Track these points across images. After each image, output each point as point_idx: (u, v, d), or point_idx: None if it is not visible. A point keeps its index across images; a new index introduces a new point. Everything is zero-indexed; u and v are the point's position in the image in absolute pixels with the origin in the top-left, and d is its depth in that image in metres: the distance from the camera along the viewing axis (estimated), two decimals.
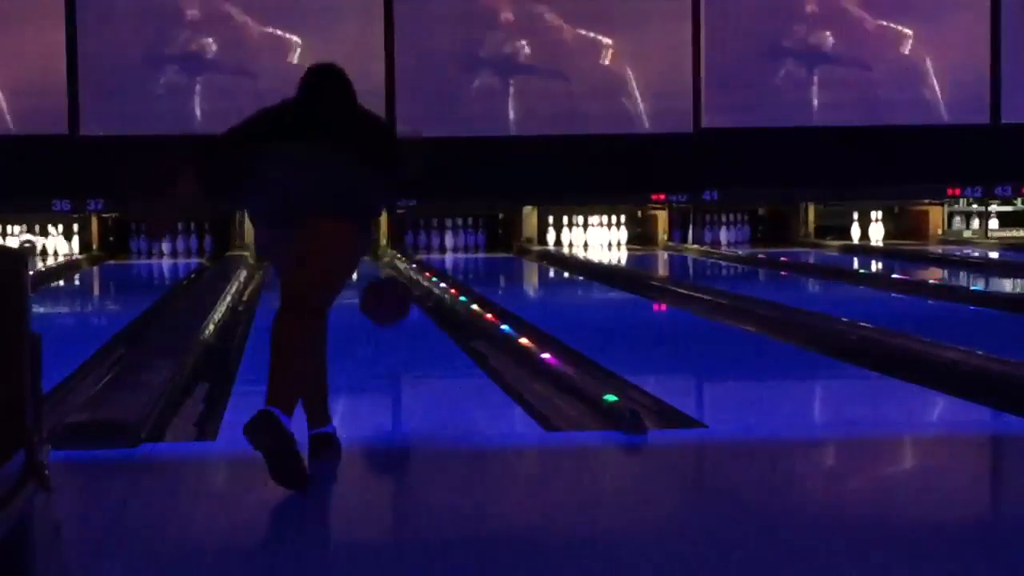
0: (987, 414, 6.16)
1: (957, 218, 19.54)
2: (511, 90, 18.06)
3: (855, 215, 19.44)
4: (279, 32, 17.67)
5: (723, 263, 16.76)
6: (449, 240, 18.52)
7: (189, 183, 5.07)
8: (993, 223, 19.37)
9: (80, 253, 17.79)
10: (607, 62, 18.12)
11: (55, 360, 4.77)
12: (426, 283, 12.67)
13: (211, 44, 17.73)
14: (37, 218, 18.18)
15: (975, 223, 19.37)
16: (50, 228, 18.34)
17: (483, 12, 18.10)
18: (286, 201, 4.90)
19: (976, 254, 16.58)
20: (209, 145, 5.14)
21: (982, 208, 19.35)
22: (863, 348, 7.94)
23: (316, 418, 5.08)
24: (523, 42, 18.11)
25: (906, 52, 18.55)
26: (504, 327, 8.76)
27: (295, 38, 17.64)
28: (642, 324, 10.65)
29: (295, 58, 17.19)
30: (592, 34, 18.18)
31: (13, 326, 4.43)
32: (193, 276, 14.96)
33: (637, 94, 18.09)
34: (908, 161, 18.23)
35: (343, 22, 17.61)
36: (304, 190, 4.92)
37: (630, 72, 18.12)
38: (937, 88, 18.54)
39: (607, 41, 18.18)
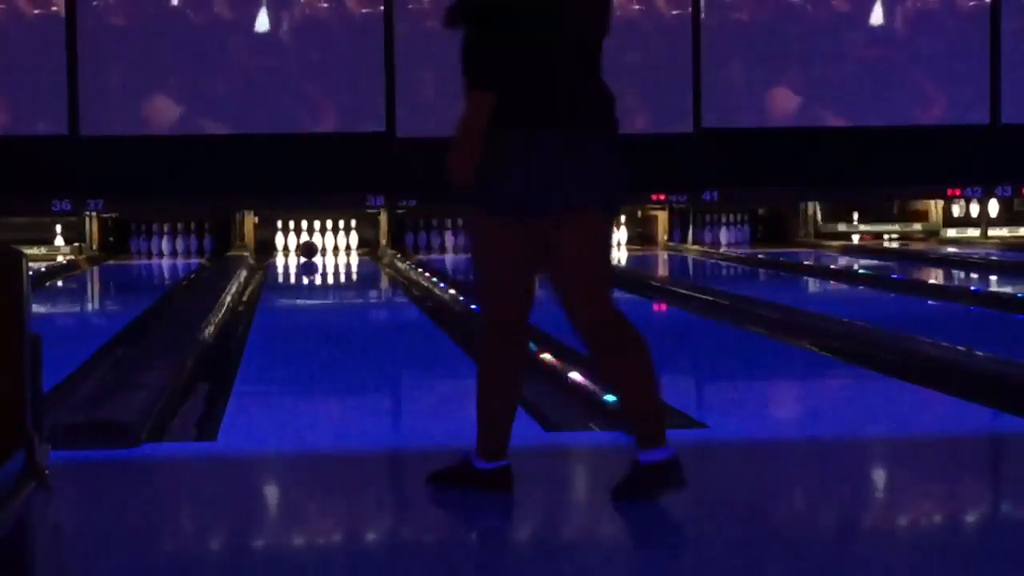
0: (987, 414, 6.16)
1: (956, 207, 19.46)
2: None
3: (855, 215, 19.44)
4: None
5: (723, 263, 16.76)
6: (449, 240, 18.49)
7: (465, 164, 4.33)
8: (992, 210, 19.27)
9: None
10: (607, 61, 18.09)
11: (55, 360, 4.77)
12: (426, 283, 12.66)
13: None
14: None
15: (974, 209, 19.27)
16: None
17: None
18: (548, 195, 4.40)
19: (976, 254, 16.57)
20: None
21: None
22: (863, 348, 7.94)
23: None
24: None
25: (906, 52, 18.55)
26: None
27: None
28: (642, 324, 10.59)
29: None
30: None
31: (13, 326, 4.44)
32: (193, 276, 14.96)
33: (638, 94, 18.07)
34: (908, 161, 18.22)
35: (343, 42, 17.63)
36: (571, 181, 4.40)
37: (630, 71, 18.10)
38: (937, 88, 18.53)
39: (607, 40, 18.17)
